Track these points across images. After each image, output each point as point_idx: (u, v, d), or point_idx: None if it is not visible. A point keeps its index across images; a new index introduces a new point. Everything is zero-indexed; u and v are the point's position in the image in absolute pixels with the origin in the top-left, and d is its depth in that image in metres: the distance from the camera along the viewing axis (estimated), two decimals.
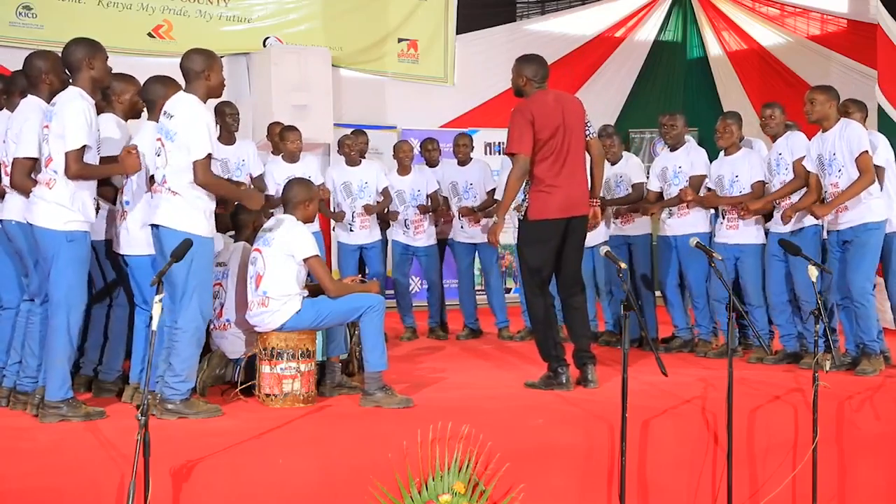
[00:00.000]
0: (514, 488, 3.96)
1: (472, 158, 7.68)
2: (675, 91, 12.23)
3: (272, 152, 7.31)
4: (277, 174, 6.80)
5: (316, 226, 7.05)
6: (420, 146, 7.92)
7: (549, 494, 4.07)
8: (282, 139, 7.06)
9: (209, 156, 4.32)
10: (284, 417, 4.36)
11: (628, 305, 3.92)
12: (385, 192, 7.40)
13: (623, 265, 4.28)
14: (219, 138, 6.75)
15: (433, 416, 4.13)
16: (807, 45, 11.03)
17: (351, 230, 7.36)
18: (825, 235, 5.96)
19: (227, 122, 6.71)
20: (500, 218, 5.14)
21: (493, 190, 7.45)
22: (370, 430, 4.20)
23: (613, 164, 7.02)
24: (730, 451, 4.32)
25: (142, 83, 4.92)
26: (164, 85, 4.75)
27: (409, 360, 6.46)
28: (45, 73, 4.55)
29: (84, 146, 4.25)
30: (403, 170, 7.58)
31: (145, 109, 4.90)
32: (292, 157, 7.02)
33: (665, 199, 6.72)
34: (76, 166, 4.23)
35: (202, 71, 4.43)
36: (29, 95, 4.59)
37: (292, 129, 7.09)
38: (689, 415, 4.60)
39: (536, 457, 4.10)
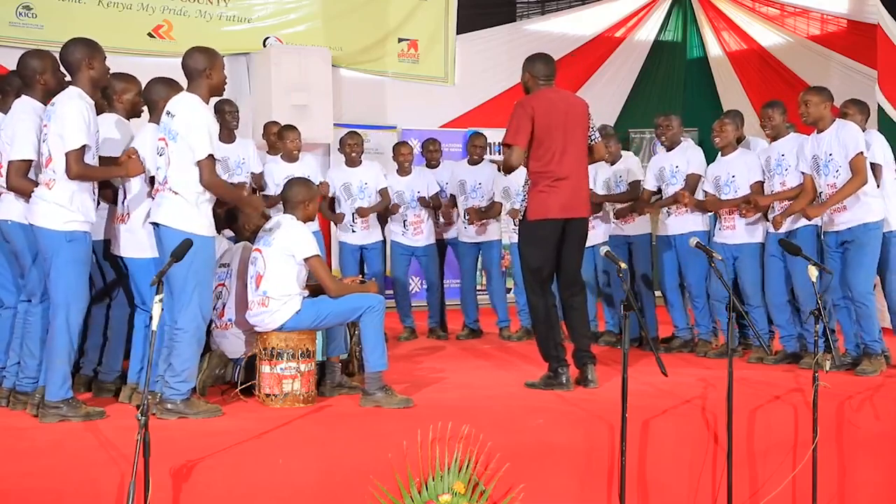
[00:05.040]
0: (514, 488, 3.96)
1: (483, 159, 7.69)
2: (675, 91, 12.23)
3: (268, 152, 7.28)
4: (277, 174, 6.79)
5: (315, 225, 7.05)
6: (421, 147, 7.92)
7: (549, 494, 4.07)
8: (280, 138, 7.03)
9: (211, 157, 4.33)
10: (284, 417, 4.36)
11: (628, 305, 3.93)
12: (383, 193, 7.36)
13: (623, 265, 4.29)
14: (219, 136, 6.80)
15: (433, 416, 4.13)
16: (807, 45, 11.02)
17: (353, 231, 7.35)
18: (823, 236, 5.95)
19: (226, 120, 6.66)
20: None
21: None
22: (370, 430, 4.20)
23: (612, 163, 7.03)
24: (730, 451, 4.32)
25: (143, 83, 4.91)
26: (166, 86, 4.74)
27: (409, 360, 6.46)
28: (39, 74, 4.53)
29: (84, 146, 4.24)
30: (403, 171, 7.57)
31: (146, 110, 4.89)
32: (291, 157, 7.00)
33: (663, 198, 6.71)
34: (77, 167, 4.22)
35: (204, 69, 4.43)
36: (23, 96, 4.57)
37: (291, 128, 7.07)
38: (689, 415, 4.60)
39: (536, 457, 4.10)
